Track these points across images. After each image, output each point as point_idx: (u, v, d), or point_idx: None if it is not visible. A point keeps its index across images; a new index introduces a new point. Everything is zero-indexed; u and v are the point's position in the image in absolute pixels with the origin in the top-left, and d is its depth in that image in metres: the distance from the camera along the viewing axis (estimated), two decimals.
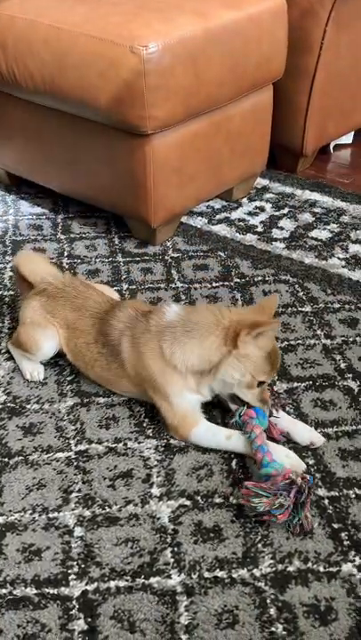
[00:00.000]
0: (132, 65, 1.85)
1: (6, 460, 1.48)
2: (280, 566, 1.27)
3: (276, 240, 2.29)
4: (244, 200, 2.52)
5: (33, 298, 1.69)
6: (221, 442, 1.49)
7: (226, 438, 1.49)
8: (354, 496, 1.40)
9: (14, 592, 1.23)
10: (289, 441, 1.52)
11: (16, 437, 1.54)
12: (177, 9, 2.00)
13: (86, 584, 1.24)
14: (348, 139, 2.98)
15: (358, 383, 1.68)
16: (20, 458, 1.49)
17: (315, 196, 2.56)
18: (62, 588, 1.23)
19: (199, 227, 2.36)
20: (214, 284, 2.05)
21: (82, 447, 1.51)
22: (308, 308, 1.95)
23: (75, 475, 1.45)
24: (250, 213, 2.45)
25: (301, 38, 2.39)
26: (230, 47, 2.05)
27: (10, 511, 1.37)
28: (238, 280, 2.07)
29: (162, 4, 2.03)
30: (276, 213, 2.45)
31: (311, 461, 1.47)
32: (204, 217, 2.41)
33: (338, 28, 2.41)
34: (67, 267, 2.14)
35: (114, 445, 1.51)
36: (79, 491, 1.41)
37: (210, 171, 2.26)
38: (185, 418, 1.50)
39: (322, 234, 2.33)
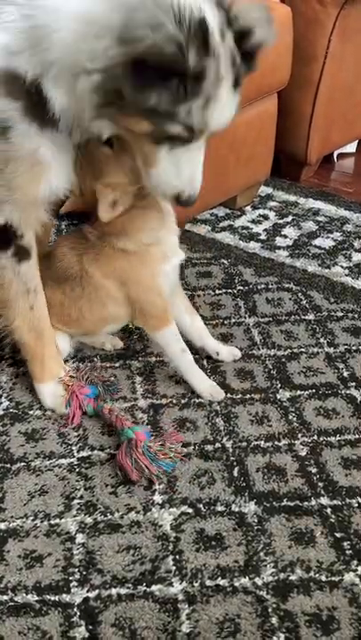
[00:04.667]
0: None
1: (8, 465, 1.48)
2: (282, 575, 1.26)
3: (279, 248, 2.30)
4: (248, 208, 2.53)
5: None
6: (177, 352, 1.63)
7: (181, 351, 1.63)
8: (357, 505, 1.39)
9: (15, 598, 1.23)
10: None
11: (18, 443, 1.53)
12: None
13: (88, 591, 1.24)
14: (351, 147, 2.99)
15: None
16: (23, 464, 1.48)
17: (318, 204, 2.56)
18: (64, 595, 1.23)
19: (203, 234, 2.36)
20: (217, 292, 2.06)
21: (84, 454, 1.51)
22: (311, 317, 1.95)
23: (77, 481, 1.45)
24: (253, 221, 2.45)
25: (306, 48, 2.40)
26: None
27: (12, 517, 1.37)
28: (241, 287, 2.08)
29: None
30: (280, 221, 2.45)
31: (314, 469, 1.47)
32: (207, 224, 2.42)
33: (343, 37, 2.42)
34: None
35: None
36: (81, 497, 1.41)
37: (214, 178, 2.26)
38: (166, 311, 1.62)
39: (325, 242, 2.33)
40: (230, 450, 1.52)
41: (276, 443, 1.54)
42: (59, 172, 1.36)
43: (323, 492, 1.42)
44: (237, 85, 1.19)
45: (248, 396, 1.67)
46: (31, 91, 1.25)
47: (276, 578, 1.26)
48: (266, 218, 2.48)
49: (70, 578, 1.26)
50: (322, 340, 1.85)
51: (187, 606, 1.21)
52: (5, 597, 1.23)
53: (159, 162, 1.24)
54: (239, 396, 1.67)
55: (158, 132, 1.21)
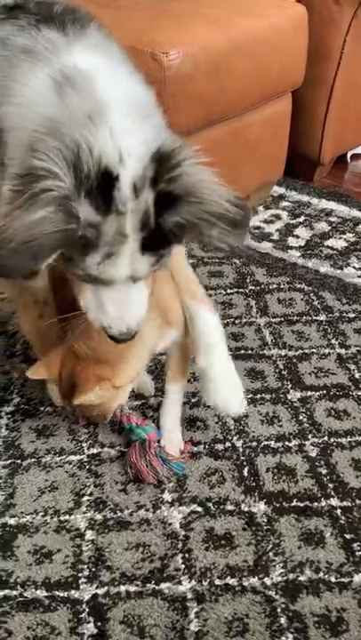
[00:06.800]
0: (153, 71, 1.86)
1: (19, 461, 1.48)
2: (291, 575, 1.26)
3: (291, 248, 2.29)
4: (261, 208, 2.52)
5: None
6: None
7: None
8: None
9: (25, 594, 1.23)
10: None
11: (29, 439, 1.54)
12: (199, 16, 2.01)
13: (97, 588, 1.24)
14: None
15: None
16: (33, 460, 1.49)
17: (331, 205, 2.55)
18: (73, 592, 1.23)
19: None
20: (229, 291, 2.05)
21: (94, 450, 1.51)
22: (322, 317, 1.94)
23: (87, 478, 1.45)
24: (266, 221, 2.45)
25: (321, 47, 2.39)
26: (251, 56, 2.05)
27: (22, 513, 1.37)
28: (253, 287, 2.07)
29: (184, 12, 2.04)
30: (292, 222, 2.45)
31: (324, 470, 1.46)
32: None
33: (358, 37, 2.41)
34: None
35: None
36: (91, 494, 1.41)
37: (227, 178, 2.25)
38: None
39: (338, 243, 2.32)
40: (240, 449, 1.52)
41: (286, 443, 1.53)
42: None
43: (333, 493, 1.42)
44: (150, 249, 1.03)
45: (259, 395, 1.66)
46: None
47: (285, 578, 1.26)
48: (278, 218, 2.47)
49: (79, 574, 1.26)
50: (333, 341, 1.85)
51: (195, 605, 1.21)
52: (15, 592, 1.23)
53: (86, 294, 1.12)
54: (250, 395, 1.66)
55: (69, 272, 1.11)
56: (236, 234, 1.05)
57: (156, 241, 1.03)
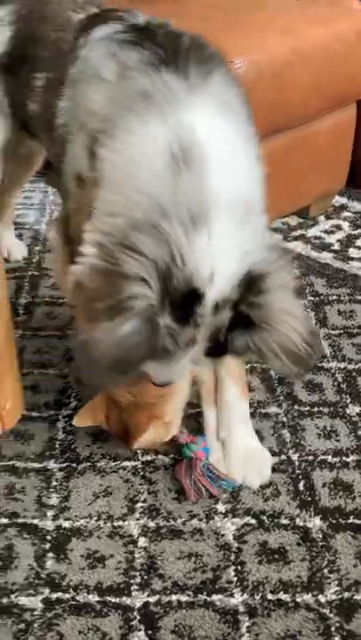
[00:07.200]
0: None
1: (74, 465, 1.50)
2: (346, 594, 1.23)
3: (352, 259, 2.25)
4: (321, 217, 2.49)
5: None
6: None
7: None
8: None
9: (77, 597, 1.24)
10: None
11: (85, 443, 1.55)
12: (264, 25, 2.01)
13: (148, 595, 1.24)
14: None
15: None
16: (88, 464, 1.50)
17: None
18: (124, 598, 1.23)
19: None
20: None
21: (148, 457, 1.51)
22: None
23: (140, 485, 1.45)
24: (326, 231, 2.41)
25: None
26: (316, 65, 2.04)
27: (76, 516, 1.38)
28: (312, 298, 2.04)
29: (250, 20, 2.04)
30: (354, 232, 2.41)
31: None
32: (279, 233, 2.40)
33: None
34: None
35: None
36: (144, 501, 1.41)
37: (287, 187, 2.25)
38: None
39: None
40: (296, 463, 1.49)
41: (344, 458, 1.50)
42: None
43: None
44: (212, 355, 1.07)
45: (316, 408, 1.64)
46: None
47: (340, 596, 1.23)
48: (339, 228, 2.43)
49: (131, 581, 1.26)
50: None
51: (247, 618, 1.20)
52: (67, 596, 1.24)
53: None
54: (307, 408, 1.64)
55: None
56: (299, 371, 1.07)
57: (220, 350, 1.06)
